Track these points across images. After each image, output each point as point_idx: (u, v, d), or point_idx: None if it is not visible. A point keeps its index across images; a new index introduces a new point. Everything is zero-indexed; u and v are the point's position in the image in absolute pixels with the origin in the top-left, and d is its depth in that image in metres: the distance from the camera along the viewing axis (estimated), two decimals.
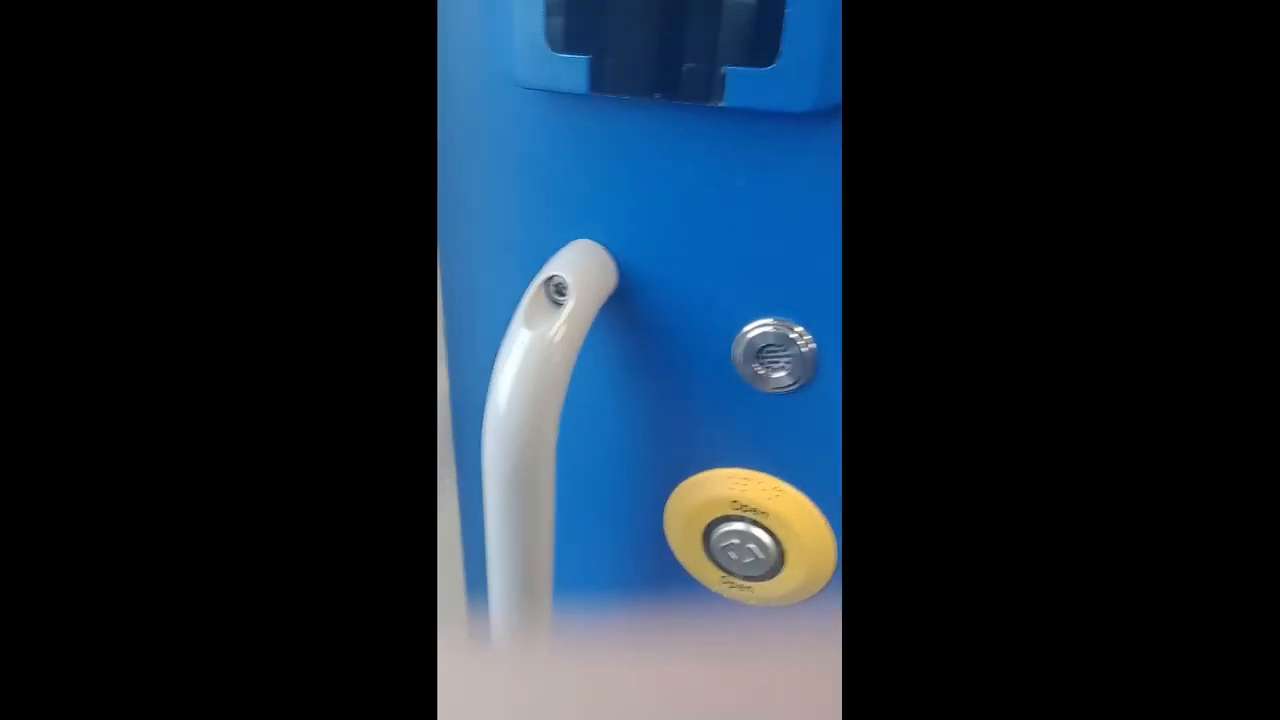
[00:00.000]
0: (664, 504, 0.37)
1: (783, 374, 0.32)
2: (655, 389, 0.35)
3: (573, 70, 0.27)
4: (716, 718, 0.11)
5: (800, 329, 0.31)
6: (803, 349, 0.31)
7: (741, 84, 0.26)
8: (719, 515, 0.35)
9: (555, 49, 0.27)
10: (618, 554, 0.39)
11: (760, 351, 0.32)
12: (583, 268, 0.31)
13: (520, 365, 0.28)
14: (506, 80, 0.29)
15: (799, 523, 0.34)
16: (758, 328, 0.31)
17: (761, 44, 0.25)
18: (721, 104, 0.26)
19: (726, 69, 0.26)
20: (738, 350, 0.32)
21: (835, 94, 0.25)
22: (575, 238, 0.32)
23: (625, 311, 0.33)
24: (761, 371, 0.32)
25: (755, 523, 0.35)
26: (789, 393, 0.32)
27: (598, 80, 0.27)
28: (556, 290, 0.31)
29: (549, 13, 0.27)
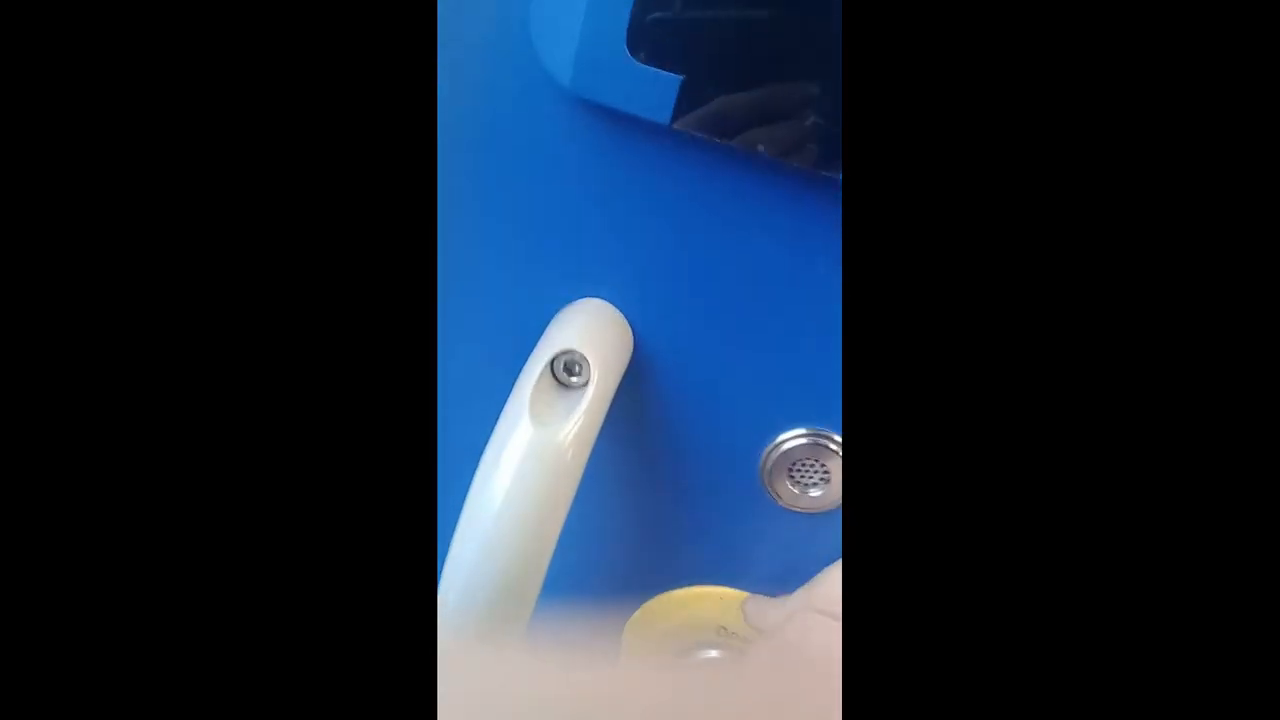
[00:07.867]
0: (626, 615, 0.30)
1: (818, 492, 0.26)
2: (655, 484, 0.28)
3: (657, 90, 0.20)
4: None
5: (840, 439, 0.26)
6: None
7: None
8: (698, 641, 0.29)
9: (639, 58, 0.20)
10: None
11: (793, 466, 0.26)
12: (601, 342, 0.24)
13: (521, 471, 0.21)
14: (540, 80, 0.22)
15: None
16: (794, 438, 0.26)
17: None
18: (838, 176, 0.21)
19: None
20: (767, 462, 0.26)
21: None
22: (583, 294, 0.25)
23: (633, 390, 0.26)
24: (794, 490, 0.26)
25: (740, 652, 0.29)
26: (821, 513, 0.27)
27: (684, 108, 0.21)
28: (566, 369, 0.23)
29: (643, 8, 0.20)
